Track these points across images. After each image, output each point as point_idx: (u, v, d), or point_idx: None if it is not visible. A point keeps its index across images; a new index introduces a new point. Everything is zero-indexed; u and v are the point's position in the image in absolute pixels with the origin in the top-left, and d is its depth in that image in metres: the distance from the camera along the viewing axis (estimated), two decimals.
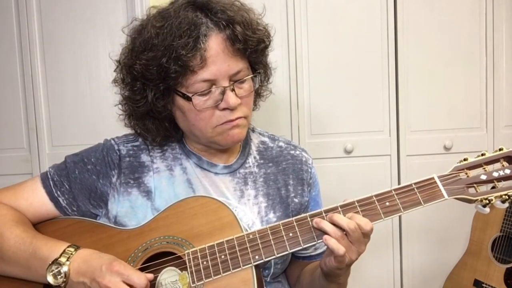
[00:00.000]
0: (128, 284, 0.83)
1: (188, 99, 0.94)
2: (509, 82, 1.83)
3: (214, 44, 0.92)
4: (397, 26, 1.79)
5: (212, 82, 0.93)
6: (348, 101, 1.81)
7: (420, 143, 1.83)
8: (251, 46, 0.95)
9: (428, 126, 1.83)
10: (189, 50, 0.89)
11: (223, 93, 0.94)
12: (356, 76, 1.80)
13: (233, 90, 0.94)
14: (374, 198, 0.90)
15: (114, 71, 1.02)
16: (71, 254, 0.88)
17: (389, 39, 1.79)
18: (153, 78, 0.94)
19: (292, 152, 1.12)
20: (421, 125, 1.83)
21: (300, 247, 0.89)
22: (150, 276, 0.86)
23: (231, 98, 0.93)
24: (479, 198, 0.88)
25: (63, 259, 0.87)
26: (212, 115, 0.95)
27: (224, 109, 0.95)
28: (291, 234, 0.90)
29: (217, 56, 0.92)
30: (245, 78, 0.97)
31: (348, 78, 1.81)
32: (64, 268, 0.86)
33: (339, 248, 0.86)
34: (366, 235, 0.89)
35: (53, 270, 0.87)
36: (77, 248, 0.90)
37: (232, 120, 0.96)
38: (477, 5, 1.80)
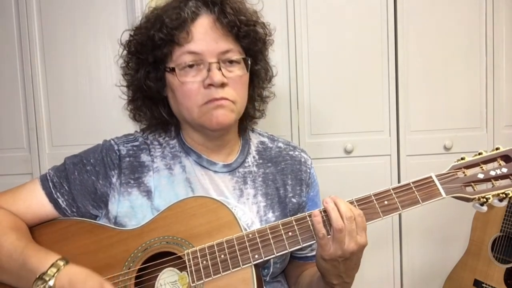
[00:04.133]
0: None
1: (173, 70, 0.97)
2: (509, 82, 1.82)
3: (204, 21, 0.96)
4: (397, 26, 1.79)
5: (199, 57, 0.96)
6: (348, 101, 1.81)
7: (420, 143, 1.83)
8: (241, 28, 0.97)
9: (428, 126, 1.83)
10: (174, 20, 0.95)
11: (209, 70, 0.95)
12: (356, 76, 1.80)
13: (220, 69, 0.96)
14: (373, 197, 0.90)
15: (120, 56, 1.08)
16: (60, 268, 0.86)
17: (389, 39, 1.79)
18: (143, 51, 0.99)
19: (291, 152, 1.12)
20: (421, 125, 1.83)
21: (300, 246, 0.89)
22: None
23: (215, 75, 0.95)
24: (476, 196, 0.89)
25: (50, 273, 0.85)
26: (198, 93, 0.96)
27: (209, 85, 0.95)
28: (290, 233, 0.90)
29: (205, 33, 0.96)
30: (233, 58, 0.98)
31: (348, 78, 1.80)
32: (50, 283, 0.84)
33: (320, 229, 0.88)
34: (359, 227, 0.88)
35: (38, 285, 0.84)
36: (66, 263, 0.87)
37: (216, 99, 0.96)
38: (477, 5, 1.79)
